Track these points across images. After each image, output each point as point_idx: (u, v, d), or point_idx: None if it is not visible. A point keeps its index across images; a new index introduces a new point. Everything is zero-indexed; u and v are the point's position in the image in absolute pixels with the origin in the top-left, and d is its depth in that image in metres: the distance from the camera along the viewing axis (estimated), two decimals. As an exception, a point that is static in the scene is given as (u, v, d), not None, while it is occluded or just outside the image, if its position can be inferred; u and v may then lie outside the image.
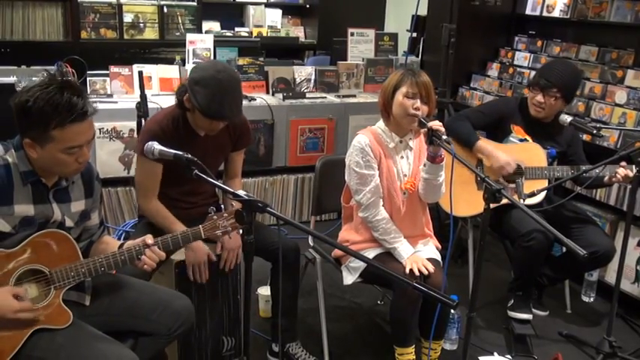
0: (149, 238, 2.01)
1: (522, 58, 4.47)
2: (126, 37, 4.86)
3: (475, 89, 4.59)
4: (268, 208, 1.78)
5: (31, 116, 1.80)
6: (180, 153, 2.02)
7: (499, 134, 3.21)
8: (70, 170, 1.93)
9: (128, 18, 4.85)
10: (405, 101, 2.47)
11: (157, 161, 2.39)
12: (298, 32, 5.98)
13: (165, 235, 2.06)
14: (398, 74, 2.54)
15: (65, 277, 1.90)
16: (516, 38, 4.63)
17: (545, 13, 4.38)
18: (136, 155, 2.59)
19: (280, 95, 4.35)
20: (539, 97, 3.04)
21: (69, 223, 2.00)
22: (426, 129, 2.38)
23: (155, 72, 4.15)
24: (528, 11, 4.52)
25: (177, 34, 5.00)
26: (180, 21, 5.04)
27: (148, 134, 2.43)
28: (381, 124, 2.62)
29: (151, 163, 2.41)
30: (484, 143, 3.14)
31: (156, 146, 2.12)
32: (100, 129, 3.65)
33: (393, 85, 2.52)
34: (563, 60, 3.56)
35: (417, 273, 2.44)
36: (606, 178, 2.93)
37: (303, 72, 4.62)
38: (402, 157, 2.61)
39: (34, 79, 3.47)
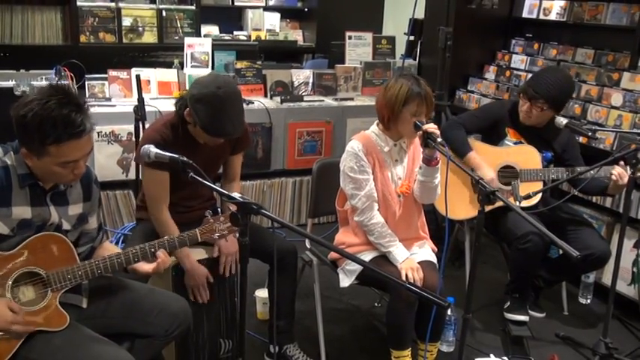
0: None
1: (519, 60, 4.49)
2: (125, 40, 4.89)
3: (472, 92, 4.60)
4: (262, 210, 1.80)
5: (27, 130, 1.79)
6: (176, 156, 2.04)
7: (494, 137, 3.22)
8: (66, 180, 1.94)
9: (127, 22, 4.87)
10: (413, 120, 2.46)
11: (159, 168, 2.40)
12: (296, 36, 5.99)
13: (162, 239, 2.08)
14: (405, 87, 2.45)
15: (62, 280, 1.91)
16: (513, 41, 4.65)
17: (541, 16, 4.41)
18: (141, 167, 2.60)
19: (278, 98, 4.36)
20: (526, 107, 3.05)
21: (66, 226, 2.01)
22: (421, 132, 2.39)
23: (154, 76, 4.16)
24: (525, 14, 4.55)
25: (176, 37, 5.02)
26: (178, 25, 5.05)
27: (149, 143, 2.42)
28: (375, 128, 2.63)
29: (157, 172, 2.44)
30: (474, 156, 3.11)
31: (152, 149, 2.14)
32: (98, 132, 3.66)
33: (401, 102, 2.45)
34: (555, 69, 3.48)
35: (412, 281, 2.44)
36: (607, 184, 2.92)
37: (301, 75, 4.63)
38: (396, 161, 2.63)
39: (33, 83, 3.50)
